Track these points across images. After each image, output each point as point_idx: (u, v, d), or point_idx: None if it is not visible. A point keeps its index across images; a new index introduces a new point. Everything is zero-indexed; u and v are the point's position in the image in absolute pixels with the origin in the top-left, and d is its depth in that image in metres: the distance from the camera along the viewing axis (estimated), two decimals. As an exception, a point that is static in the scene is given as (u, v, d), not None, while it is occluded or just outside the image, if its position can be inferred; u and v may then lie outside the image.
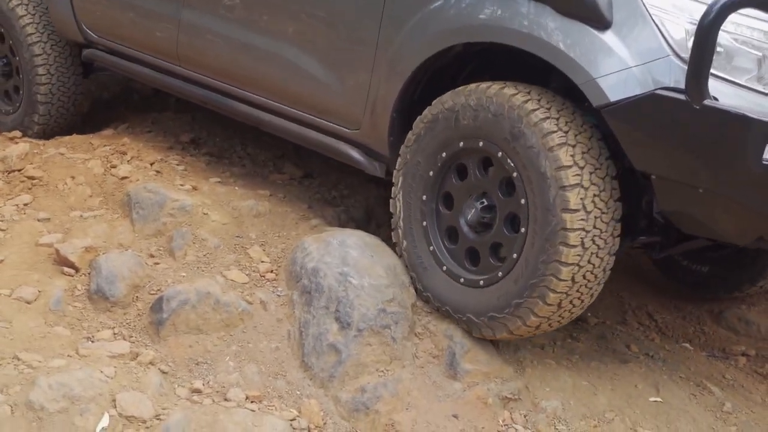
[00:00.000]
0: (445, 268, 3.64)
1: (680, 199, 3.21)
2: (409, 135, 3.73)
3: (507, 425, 3.40)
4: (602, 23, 3.20)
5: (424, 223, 3.69)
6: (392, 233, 3.82)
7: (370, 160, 4.02)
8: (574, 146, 3.27)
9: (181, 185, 4.39)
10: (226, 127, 5.13)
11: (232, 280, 3.73)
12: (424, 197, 3.69)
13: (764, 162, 2.99)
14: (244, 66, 4.36)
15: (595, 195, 3.25)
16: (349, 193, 4.71)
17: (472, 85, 3.54)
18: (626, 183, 3.38)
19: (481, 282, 3.52)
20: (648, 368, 3.87)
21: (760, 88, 3.10)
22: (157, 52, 4.75)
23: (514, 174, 3.36)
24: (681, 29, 3.12)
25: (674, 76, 3.08)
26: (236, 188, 4.48)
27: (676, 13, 3.14)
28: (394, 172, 3.81)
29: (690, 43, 3.03)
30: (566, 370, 3.69)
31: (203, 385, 3.29)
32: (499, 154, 3.41)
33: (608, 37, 3.20)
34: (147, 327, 3.52)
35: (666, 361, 3.96)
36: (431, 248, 3.67)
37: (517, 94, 3.39)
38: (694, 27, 3.02)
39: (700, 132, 3.04)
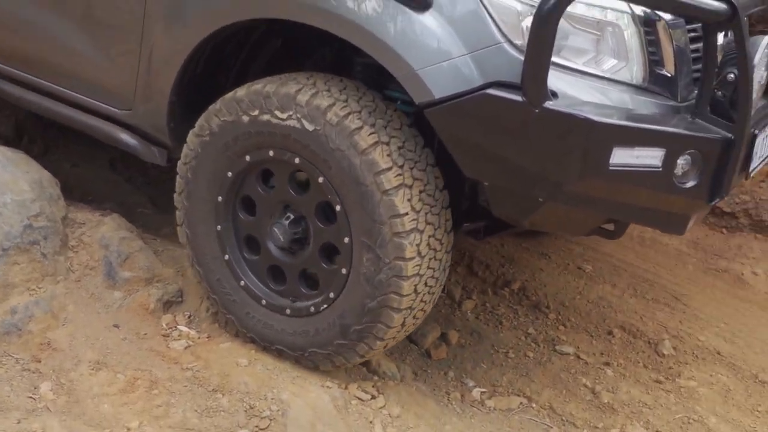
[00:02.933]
0: (264, 302, 3.21)
1: (518, 207, 2.86)
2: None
3: (171, 328, 3.36)
4: (421, 3, 2.73)
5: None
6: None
7: (147, 144, 3.46)
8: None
9: None
10: None
11: None
12: (219, 227, 3.21)
13: (611, 168, 2.65)
14: None
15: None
16: (-6, 110, 4.41)
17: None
18: (443, 160, 2.98)
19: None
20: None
21: (598, 71, 2.75)
22: None
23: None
24: (513, 11, 2.69)
25: (507, 67, 2.65)
26: None
27: None
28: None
29: (524, 25, 2.65)
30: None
31: None
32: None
33: (429, 19, 2.71)
34: None
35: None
36: (242, 283, 3.23)
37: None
38: (528, 8, 2.65)
39: (540, 138, 2.64)
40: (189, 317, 3.41)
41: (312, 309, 3.11)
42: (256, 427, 2.95)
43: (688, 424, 3.56)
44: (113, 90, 3.44)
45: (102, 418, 2.91)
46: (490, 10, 2.69)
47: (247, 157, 3.05)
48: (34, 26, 3.57)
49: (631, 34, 2.77)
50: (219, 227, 3.20)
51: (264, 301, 3.20)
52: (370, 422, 3.10)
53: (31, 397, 2.95)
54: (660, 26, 2.80)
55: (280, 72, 3.12)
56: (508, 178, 2.76)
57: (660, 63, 2.82)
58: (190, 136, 3.18)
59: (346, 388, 3.20)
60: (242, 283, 3.22)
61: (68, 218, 3.53)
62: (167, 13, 3.20)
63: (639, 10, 2.76)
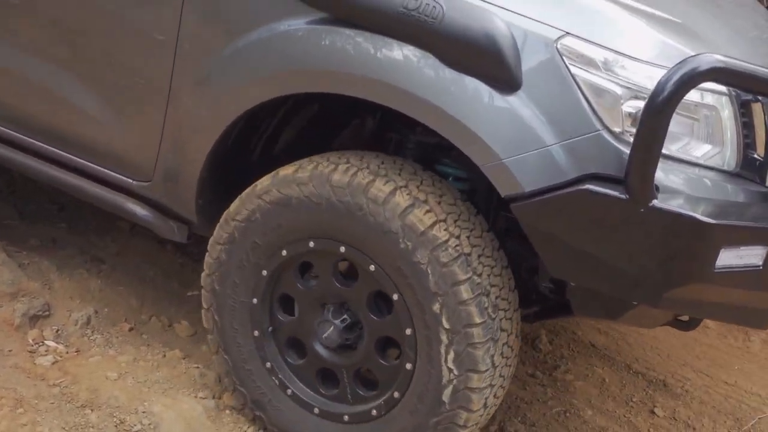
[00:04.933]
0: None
1: (606, 309, 2.62)
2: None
3: (38, 343, 3.25)
4: (509, 82, 2.41)
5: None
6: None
7: (165, 219, 3.07)
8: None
9: None
10: None
11: None
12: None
13: (716, 271, 2.40)
14: None
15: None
16: None
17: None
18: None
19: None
20: (184, 266, 3.90)
21: (691, 158, 2.48)
22: None
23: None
24: (612, 95, 2.39)
25: (605, 158, 2.37)
26: None
27: (607, 73, 2.40)
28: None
29: (624, 110, 2.38)
30: (97, 278, 3.60)
31: None
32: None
33: (517, 102, 2.41)
34: None
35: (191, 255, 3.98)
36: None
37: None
38: (628, 91, 2.39)
39: (643, 239, 2.38)
40: (57, 331, 3.31)
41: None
42: (127, 441, 2.89)
43: (565, 417, 3.61)
44: (129, 160, 3.05)
45: (-37, 440, 2.81)
46: (587, 92, 2.39)
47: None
48: (38, 84, 3.14)
49: (727, 117, 2.52)
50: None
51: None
52: (245, 431, 3.06)
53: None
54: (756, 108, 2.58)
55: (311, 140, 3.00)
56: (601, 281, 2.48)
57: (752, 146, 2.58)
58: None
59: (220, 398, 3.14)
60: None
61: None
62: (200, 80, 2.83)
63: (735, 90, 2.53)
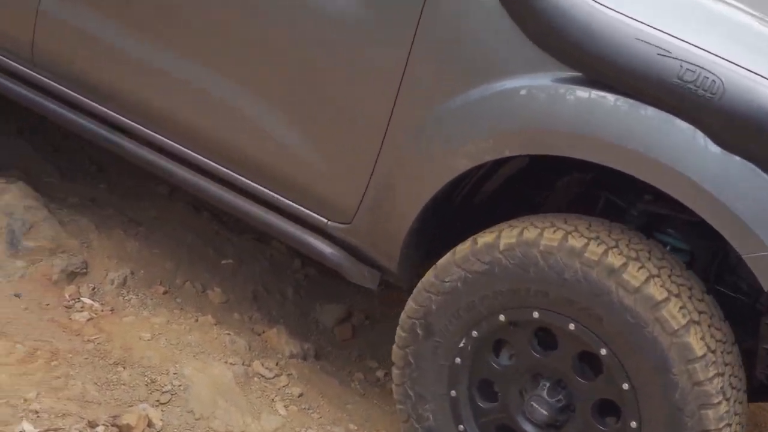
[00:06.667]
0: None
1: None
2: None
3: (74, 299, 3.31)
4: None
5: None
6: None
7: (355, 262, 2.93)
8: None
9: None
10: None
11: None
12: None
13: None
14: (166, 106, 3.16)
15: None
16: None
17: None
18: None
19: None
20: (219, 234, 3.95)
21: None
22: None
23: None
24: None
25: None
26: None
27: None
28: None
29: None
30: (134, 240, 3.66)
31: None
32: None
33: None
34: None
35: (226, 223, 4.03)
36: None
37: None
38: None
39: None
40: (93, 289, 3.38)
41: None
42: (157, 401, 2.94)
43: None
44: (328, 200, 2.91)
45: (-1, 388, 2.87)
46: None
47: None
48: (242, 116, 3.00)
49: None
50: None
51: None
52: (272, 400, 3.12)
53: (-74, 366, 2.90)
54: None
55: (512, 190, 2.87)
56: None
57: None
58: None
59: (249, 365, 3.20)
60: None
61: (-27, 187, 3.46)
62: (423, 131, 2.65)
63: None
